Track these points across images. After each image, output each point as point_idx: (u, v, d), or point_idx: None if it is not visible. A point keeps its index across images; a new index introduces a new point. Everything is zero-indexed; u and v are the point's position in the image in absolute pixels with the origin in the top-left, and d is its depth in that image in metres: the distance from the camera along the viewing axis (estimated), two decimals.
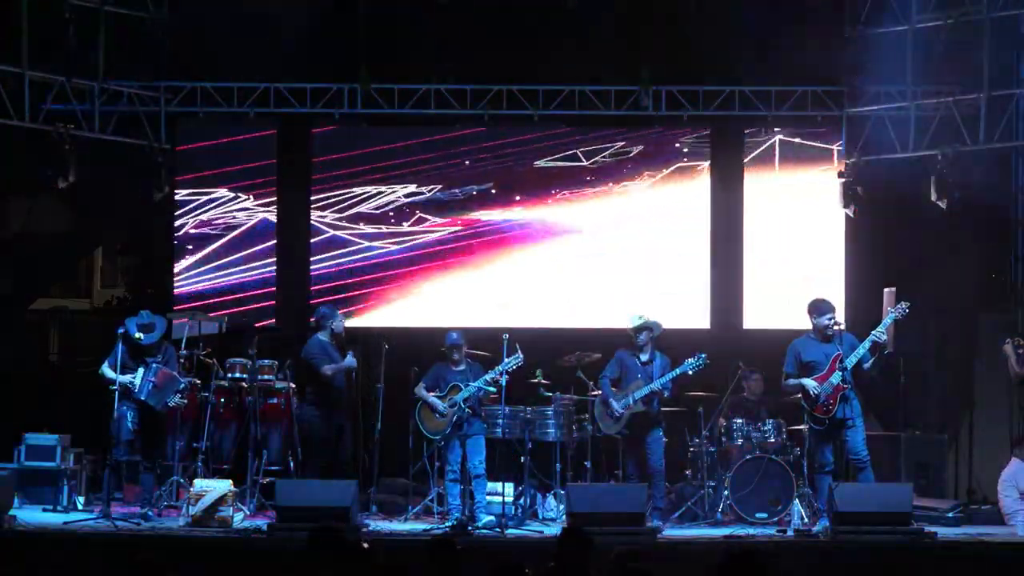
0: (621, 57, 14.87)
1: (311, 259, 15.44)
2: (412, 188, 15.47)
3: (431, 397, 12.46)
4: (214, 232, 15.42)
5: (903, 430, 13.98)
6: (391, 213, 15.46)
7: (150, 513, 11.92)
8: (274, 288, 15.41)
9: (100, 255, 23.18)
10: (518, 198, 15.54)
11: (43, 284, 17.51)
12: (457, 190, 15.50)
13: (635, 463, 12.60)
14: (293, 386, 13.16)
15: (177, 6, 14.47)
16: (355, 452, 13.26)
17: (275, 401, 13.19)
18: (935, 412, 14.68)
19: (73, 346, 20.63)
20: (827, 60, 14.46)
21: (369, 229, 15.42)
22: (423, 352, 13.21)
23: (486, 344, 12.91)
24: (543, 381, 13.18)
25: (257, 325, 14.87)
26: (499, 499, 12.52)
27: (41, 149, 13.89)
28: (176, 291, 15.30)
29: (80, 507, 12.81)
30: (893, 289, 13.50)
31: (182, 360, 12.83)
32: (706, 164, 15.44)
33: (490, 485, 12.67)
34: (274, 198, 15.45)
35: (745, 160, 15.34)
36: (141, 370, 12.12)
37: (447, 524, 11.93)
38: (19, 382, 15.38)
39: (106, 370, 12.21)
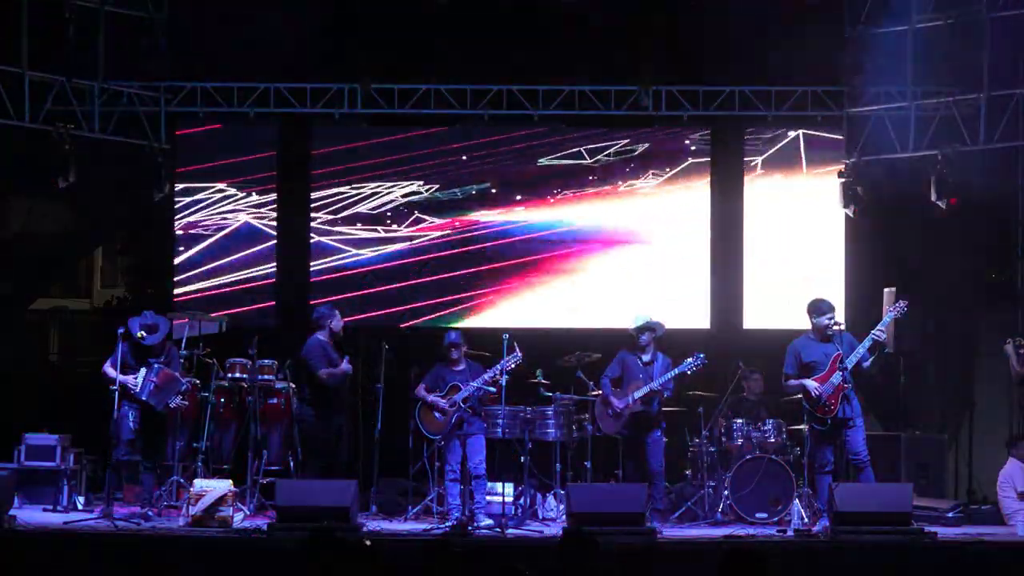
0: (621, 57, 14.87)
1: (311, 259, 15.46)
2: (411, 188, 15.47)
3: (431, 397, 12.46)
4: (214, 232, 15.42)
5: (903, 430, 13.99)
6: (388, 213, 15.46)
7: (150, 513, 11.91)
8: (274, 288, 15.43)
9: (100, 255, 23.18)
10: (519, 198, 15.54)
11: (43, 284, 17.50)
12: (457, 190, 15.50)
13: (635, 464, 12.61)
14: (293, 386, 13.16)
15: (177, 6, 14.47)
16: (353, 453, 13.26)
17: (275, 401, 13.18)
18: (935, 412, 14.69)
19: (73, 346, 20.66)
20: (827, 60, 14.46)
21: (366, 230, 15.42)
22: (423, 352, 13.20)
23: (487, 344, 12.89)
24: (543, 381, 13.18)
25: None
26: (499, 499, 12.51)
27: (41, 149, 13.88)
28: (176, 291, 15.30)
29: (80, 507, 12.80)
30: (893, 289, 13.50)
31: (182, 360, 12.82)
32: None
33: (490, 485, 12.67)
34: (274, 196, 15.45)
35: (762, 159, 15.36)
36: (143, 370, 12.11)
37: (447, 524, 11.92)
38: (19, 382, 15.38)
39: (108, 369, 12.21)
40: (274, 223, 15.47)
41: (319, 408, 12.48)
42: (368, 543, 7.64)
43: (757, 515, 12.52)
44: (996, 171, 13.91)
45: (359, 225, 15.47)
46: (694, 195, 15.47)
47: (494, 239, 15.43)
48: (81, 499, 13.03)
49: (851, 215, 14.73)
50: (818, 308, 11.97)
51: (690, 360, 12.41)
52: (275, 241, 15.44)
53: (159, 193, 14.74)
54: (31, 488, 12.94)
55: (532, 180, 15.53)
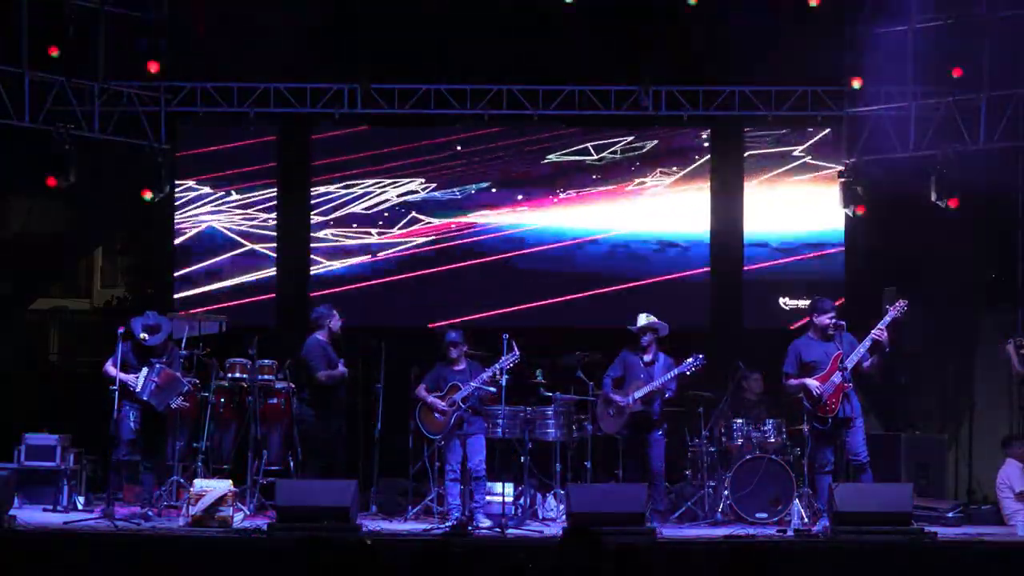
0: (621, 57, 14.87)
1: (311, 259, 15.47)
2: (410, 187, 15.47)
3: (431, 397, 12.46)
4: (213, 232, 15.43)
5: (903, 430, 13.99)
6: (386, 213, 15.46)
7: (150, 513, 11.91)
8: (274, 288, 15.44)
9: (100, 255, 23.20)
10: (520, 197, 15.54)
11: (43, 284, 17.51)
12: (456, 190, 15.51)
13: (635, 464, 12.61)
14: (293, 386, 13.16)
15: (177, 6, 14.47)
16: (353, 453, 13.26)
17: (275, 401, 13.17)
18: (935, 412, 14.70)
19: (73, 346, 20.68)
20: (827, 60, 14.46)
21: (363, 231, 15.43)
22: (422, 352, 13.20)
23: (487, 344, 12.89)
24: (543, 381, 13.17)
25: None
26: (499, 499, 12.51)
27: (41, 149, 13.88)
28: (175, 290, 15.31)
29: (80, 507, 12.80)
30: (893, 288, 13.51)
31: (183, 360, 12.82)
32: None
33: (490, 485, 12.67)
34: (274, 196, 15.46)
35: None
36: (144, 370, 12.11)
37: (447, 524, 11.92)
38: (19, 382, 15.38)
39: (109, 369, 12.21)
40: (273, 223, 15.49)
41: (319, 408, 12.49)
42: (369, 542, 7.63)
43: (757, 515, 12.51)
44: (996, 171, 13.92)
45: (355, 226, 15.46)
46: (696, 194, 15.49)
47: (492, 246, 15.43)
48: (81, 499, 13.03)
49: (851, 215, 14.73)
50: (819, 307, 11.97)
51: (690, 360, 12.41)
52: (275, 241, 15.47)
53: (159, 193, 14.74)
54: (31, 488, 12.93)
55: (535, 179, 15.52)
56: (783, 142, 15.41)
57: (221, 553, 10.70)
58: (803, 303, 14.91)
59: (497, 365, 12.28)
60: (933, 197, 13.84)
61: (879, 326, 11.68)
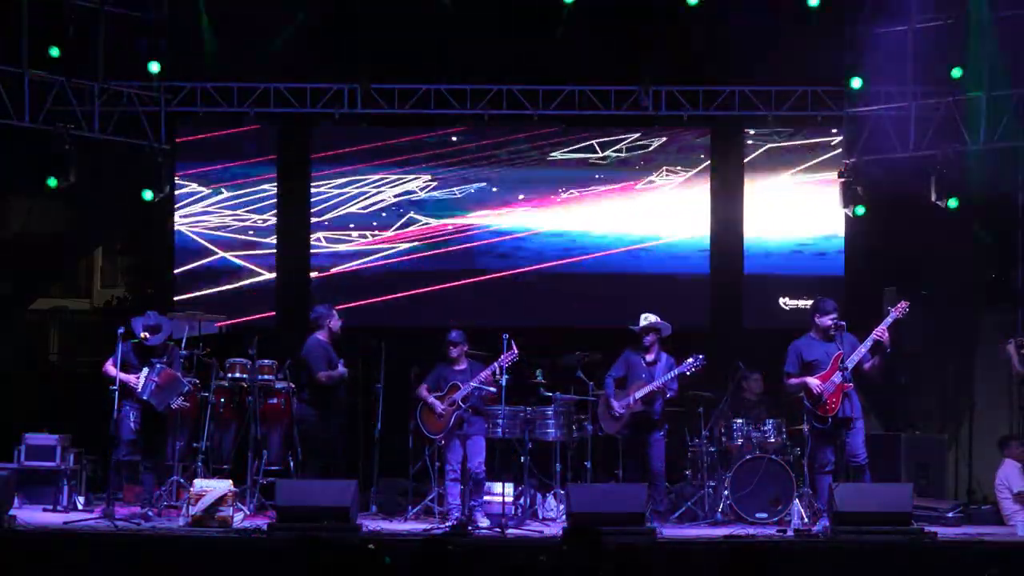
0: (621, 57, 14.87)
1: (310, 259, 15.47)
2: (409, 186, 15.47)
3: (431, 397, 12.46)
4: (213, 231, 15.43)
5: (903, 430, 13.99)
6: (383, 214, 15.45)
7: (150, 513, 11.91)
8: (274, 288, 15.44)
9: (100, 255, 23.19)
10: (521, 197, 15.54)
11: (43, 284, 17.51)
12: (456, 189, 15.51)
13: (635, 464, 12.61)
14: (293, 386, 13.16)
15: (177, 6, 14.47)
16: (350, 454, 13.25)
17: (275, 401, 13.17)
18: (935, 412, 14.70)
19: (73, 346, 20.68)
20: (827, 60, 14.46)
21: (361, 231, 15.43)
22: (422, 352, 13.20)
23: (487, 344, 12.89)
24: (543, 381, 13.17)
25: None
26: (499, 499, 12.51)
27: (41, 149, 13.88)
28: (175, 291, 15.31)
29: (80, 507, 12.80)
30: (893, 288, 13.51)
31: (183, 360, 12.82)
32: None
33: (489, 485, 12.67)
34: (274, 196, 15.47)
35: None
36: (145, 370, 12.11)
37: (447, 524, 11.92)
38: (19, 382, 15.38)
39: (109, 368, 12.21)
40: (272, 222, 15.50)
41: (320, 408, 12.48)
42: (372, 547, 7.64)
43: (757, 515, 12.52)
44: (996, 171, 13.92)
45: (352, 226, 15.47)
46: (697, 193, 15.51)
47: (492, 246, 15.44)
48: (81, 499, 13.03)
49: (851, 215, 14.74)
50: (821, 307, 11.98)
51: (690, 360, 12.41)
52: (275, 241, 15.46)
53: (159, 193, 14.74)
54: (31, 488, 12.93)
55: (537, 178, 15.52)
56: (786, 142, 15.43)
57: (221, 553, 10.70)
58: (803, 303, 14.92)
59: (495, 365, 12.28)
60: (933, 197, 13.84)
61: (881, 327, 11.68)
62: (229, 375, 13.23)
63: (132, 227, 16.96)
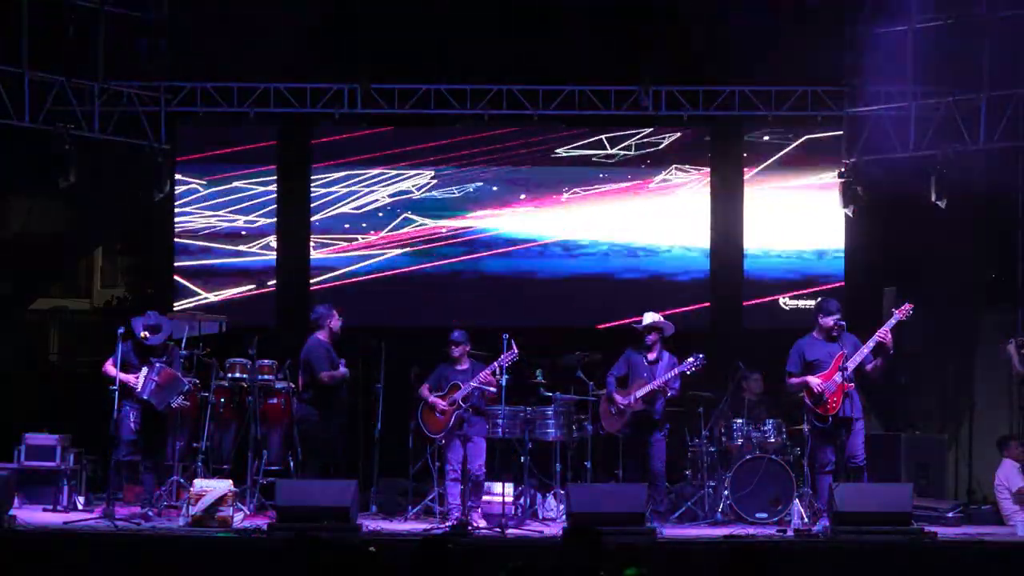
0: (621, 57, 14.87)
1: (310, 259, 15.48)
2: (409, 185, 15.47)
3: (432, 397, 12.46)
4: (213, 231, 15.43)
5: (903, 430, 13.99)
6: (380, 214, 15.45)
7: (150, 513, 11.91)
8: (273, 287, 15.44)
9: (100, 255, 23.19)
10: (523, 196, 15.52)
11: (43, 284, 17.51)
12: (455, 188, 15.51)
13: (635, 464, 12.60)
14: (293, 386, 13.16)
15: (177, 6, 14.47)
16: (350, 454, 13.25)
17: (275, 401, 13.17)
18: (935, 412, 14.69)
19: (73, 346, 20.67)
20: (827, 60, 14.46)
21: (359, 231, 15.43)
22: (422, 352, 13.20)
23: (487, 344, 12.89)
24: (543, 381, 13.17)
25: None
26: (499, 499, 12.51)
27: (41, 149, 13.88)
28: (175, 291, 15.32)
29: (80, 507, 12.80)
30: (893, 289, 13.51)
31: (183, 360, 12.82)
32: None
33: (489, 485, 12.68)
34: (274, 196, 15.47)
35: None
36: (145, 369, 12.11)
37: (447, 524, 11.92)
38: (19, 382, 15.38)
39: (108, 368, 12.21)
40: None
41: (322, 408, 12.47)
42: (372, 549, 7.64)
43: (757, 515, 12.52)
44: (996, 171, 13.92)
45: (347, 226, 15.47)
46: (697, 193, 15.52)
47: (492, 246, 15.44)
48: (81, 499, 13.02)
49: (851, 215, 14.73)
50: (825, 308, 12.00)
51: (690, 360, 12.40)
52: (275, 240, 15.47)
53: (159, 193, 14.75)
54: (31, 488, 12.93)
55: (539, 177, 15.51)
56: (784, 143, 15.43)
57: (221, 553, 10.70)
58: (803, 303, 14.93)
59: (494, 364, 12.28)
60: (933, 197, 13.84)
61: (884, 328, 11.69)
62: (229, 375, 13.23)
63: (132, 227, 16.96)
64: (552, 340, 14.04)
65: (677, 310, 14.65)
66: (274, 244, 15.48)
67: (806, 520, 11.76)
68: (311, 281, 15.45)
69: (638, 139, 15.45)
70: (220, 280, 15.39)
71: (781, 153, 15.38)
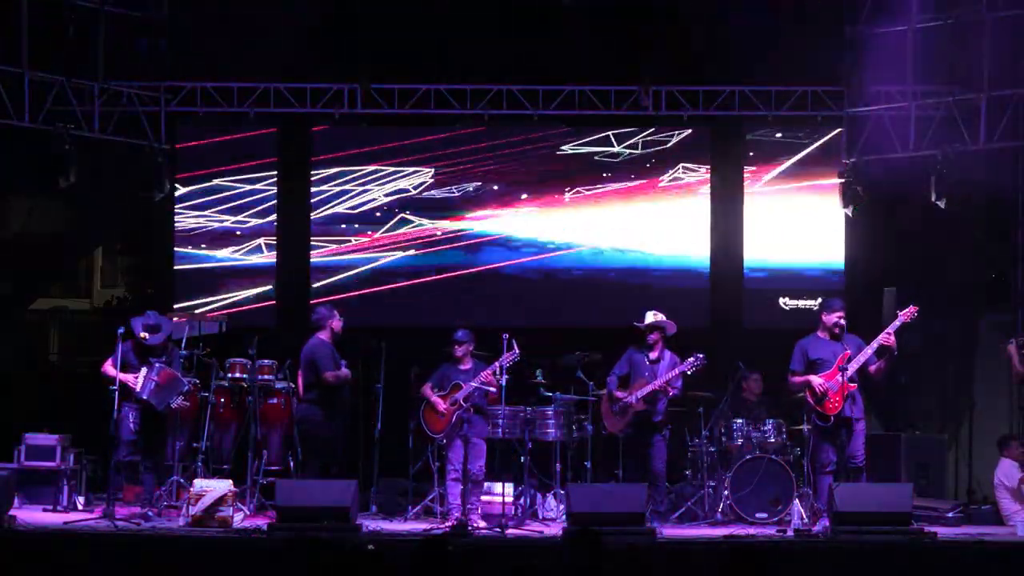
0: (621, 57, 14.87)
1: (310, 259, 15.48)
2: (408, 184, 15.46)
3: (434, 396, 12.46)
4: (213, 231, 15.43)
5: (903, 430, 14.00)
6: (377, 214, 15.44)
7: (150, 513, 11.91)
8: (273, 288, 15.44)
9: (100, 255, 23.21)
10: (525, 196, 15.52)
11: (43, 284, 17.51)
12: (454, 187, 15.50)
13: (636, 464, 12.60)
14: (293, 386, 13.16)
15: (177, 6, 14.47)
16: (350, 454, 13.25)
17: (275, 401, 13.17)
18: (935, 412, 14.69)
19: (73, 346, 20.69)
20: (827, 60, 14.46)
21: (358, 232, 15.43)
22: (422, 352, 13.20)
23: (488, 345, 12.89)
24: (543, 381, 13.17)
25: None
26: (499, 499, 12.51)
27: (41, 149, 13.88)
28: (175, 291, 15.31)
29: (80, 507, 12.80)
30: (893, 289, 13.51)
31: (183, 360, 12.83)
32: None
33: (489, 485, 12.68)
34: (274, 196, 15.47)
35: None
36: (144, 369, 12.12)
37: (447, 524, 11.92)
38: (19, 382, 15.38)
39: (108, 368, 12.21)
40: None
41: (326, 409, 12.46)
42: (371, 547, 7.65)
43: (757, 515, 12.52)
44: (996, 171, 13.92)
45: (343, 226, 15.46)
46: (697, 192, 15.51)
47: (494, 245, 15.43)
48: (81, 499, 13.02)
49: (851, 215, 14.73)
50: (829, 305, 12.05)
51: (690, 360, 12.40)
52: (275, 241, 15.46)
53: (159, 193, 14.75)
54: (31, 488, 12.93)
55: (543, 176, 15.51)
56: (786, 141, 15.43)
57: (221, 553, 10.70)
58: (803, 303, 14.93)
59: (496, 364, 12.28)
60: (933, 197, 13.84)
61: (888, 330, 11.70)
62: (229, 375, 13.23)
63: (132, 227, 16.96)
64: (552, 340, 14.04)
65: (677, 310, 14.62)
66: (274, 244, 15.46)
67: (806, 520, 11.76)
68: (312, 273, 15.44)
69: (645, 136, 15.43)
70: (220, 280, 15.37)
71: (799, 156, 15.32)
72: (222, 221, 15.42)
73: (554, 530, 11.72)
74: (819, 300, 12.48)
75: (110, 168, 14.71)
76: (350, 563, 7.02)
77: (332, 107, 15.11)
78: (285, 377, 13.25)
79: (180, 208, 15.35)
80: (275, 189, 15.46)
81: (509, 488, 12.72)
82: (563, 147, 15.49)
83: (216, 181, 15.38)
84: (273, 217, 15.45)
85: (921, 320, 12.12)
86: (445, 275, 15.44)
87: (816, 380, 11.72)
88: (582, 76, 15.01)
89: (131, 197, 14.96)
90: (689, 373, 12.44)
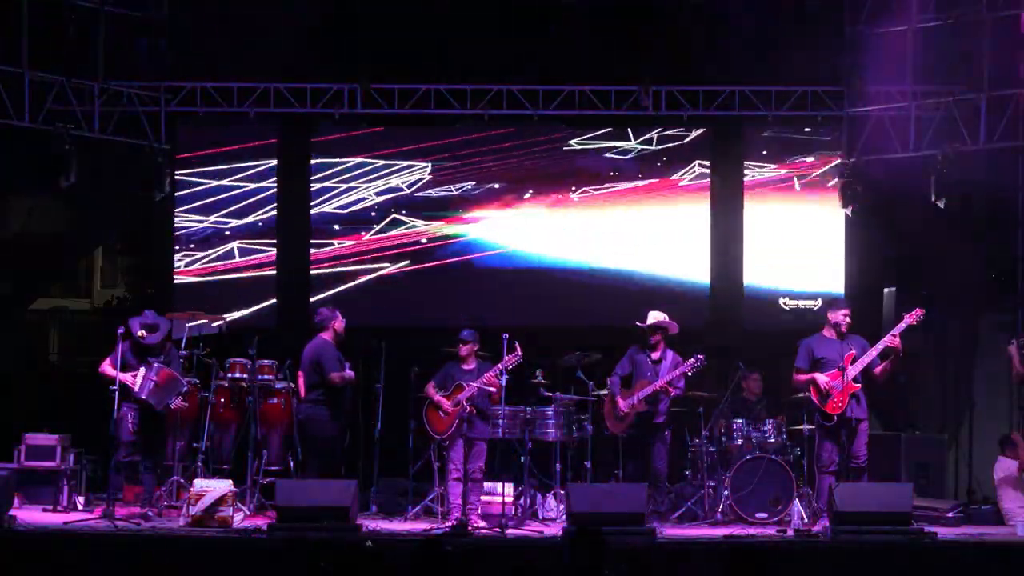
0: (621, 57, 14.87)
1: (311, 259, 15.47)
2: (408, 184, 15.46)
3: (438, 396, 12.46)
4: (213, 231, 15.43)
5: (903, 430, 14.00)
6: (372, 213, 15.43)
7: (150, 513, 11.92)
8: (273, 288, 15.44)
9: (100, 255, 23.21)
10: (528, 195, 15.49)
11: (43, 284, 17.50)
12: (453, 186, 15.50)
13: (636, 464, 12.60)
14: (293, 386, 13.16)
15: (177, 6, 14.47)
16: (350, 454, 13.26)
17: (275, 401, 13.17)
18: (935, 412, 14.69)
19: (73, 346, 20.69)
20: (827, 60, 14.46)
21: (358, 232, 15.43)
22: (422, 352, 13.20)
23: (488, 345, 12.89)
24: (543, 381, 13.17)
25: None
26: (499, 499, 12.51)
27: (41, 149, 13.88)
28: (175, 291, 15.31)
29: (80, 507, 12.80)
30: (894, 289, 13.51)
31: (182, 360, 12.83)
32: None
33: (490, 485, 12.67)
34: (274, 199, 15.47)
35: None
36: (143, 369, 12.12)
37: (447, 524, 11.91)
38: (19, 382, 15.38)
39: (107, 368, 12.21)
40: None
41: (331, 409, 12.45)
42: (369, 543, 7.65)
43: (757, 515, 12.52)
44: (996, 171, 13.92)
45: (337, 226, 15.46)
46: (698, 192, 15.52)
47: (495, 246, 15.43)
48: (81, 499, 13.02)
49: (851, 215, 14.73)
50: (835, 304, 12.09)
51: (691, 360, 12.42)
52: (275, 241, 15.46)
53: (159, 193, 14.75)
54: (31, 488, 12.93)
55: (548, 174, 15.50)
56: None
57: (221, 553, 10.70)
58: (803, 303, 14.92)
59: (499, 366, 12.28)
60: (933, 197, 13.84)
61: (893, 332, 11.71)
62: (229, 375, 13.23)
63: (132, 227, 16.96)
64: (552, 340, 14.03)
65: (677, 310, 14.62)
66: (274, 244, 15.46)
67: (806, 520, 11.77)
68: (311, 276, 15.43)
69: (659, 132, 15.41)
70: (219, 279, 15.36)
71: (799, 156, 15.35)
72: (221, 220, 15.40)
73: (554, 530, 11.72)
74: (819, 300, 12.45)
75: (110, 168, 14.71)
76: (350, 563, 7.02)
77: (332, 107, 15.10)
78: (285, 377, 13.25)
79: (179, 207, 15.32)
80: (275, 189, 15.45)
81: (509, 488, 12.73)
82: (571, 141, 15.46)
83: (216, 181, 15.38)
84: (273, 217, 15.46)
85: (921, 320, 12.14)
86: (445, 275, 15.42)
87: (821, 378, 11.73)
88: (582, 76, 15.01)
89: (131, 197, 14.96)
90: (689, 374, 12.45)
